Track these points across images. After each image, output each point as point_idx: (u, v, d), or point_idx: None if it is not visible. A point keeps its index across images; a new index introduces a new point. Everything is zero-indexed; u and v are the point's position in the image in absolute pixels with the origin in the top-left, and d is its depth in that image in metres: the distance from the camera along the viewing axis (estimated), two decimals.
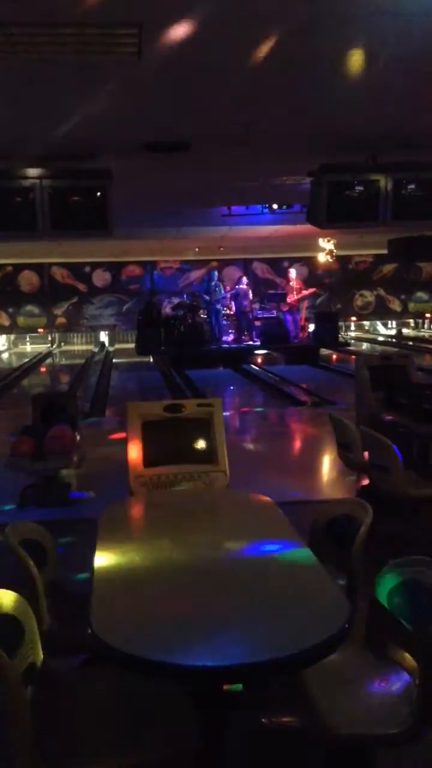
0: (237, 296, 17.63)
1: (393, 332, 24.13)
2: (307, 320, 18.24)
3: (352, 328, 24.22)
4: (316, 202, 6.27)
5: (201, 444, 4.21)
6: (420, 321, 24.89)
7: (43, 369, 18.72)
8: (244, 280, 18.33)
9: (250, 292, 17.91)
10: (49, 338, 23.43)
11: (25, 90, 4.38)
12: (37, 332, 23.19)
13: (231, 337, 17.69)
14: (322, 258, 18.46)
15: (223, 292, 17.85)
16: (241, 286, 17.90)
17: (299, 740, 2.37)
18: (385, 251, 13.19)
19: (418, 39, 3.69)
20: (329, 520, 3.05)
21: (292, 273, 18.56)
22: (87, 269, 22.77)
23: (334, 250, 17.77)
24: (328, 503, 3.25)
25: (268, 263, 23.06)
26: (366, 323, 24.77)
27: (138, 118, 5.15)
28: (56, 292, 22.84)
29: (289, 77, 4.29)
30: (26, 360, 19.91)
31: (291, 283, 18.15)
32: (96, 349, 21.82)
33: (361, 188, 6.07)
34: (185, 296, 19.11)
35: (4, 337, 23.21)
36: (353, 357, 14.30)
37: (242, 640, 2.05)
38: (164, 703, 2.30)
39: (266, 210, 11.78)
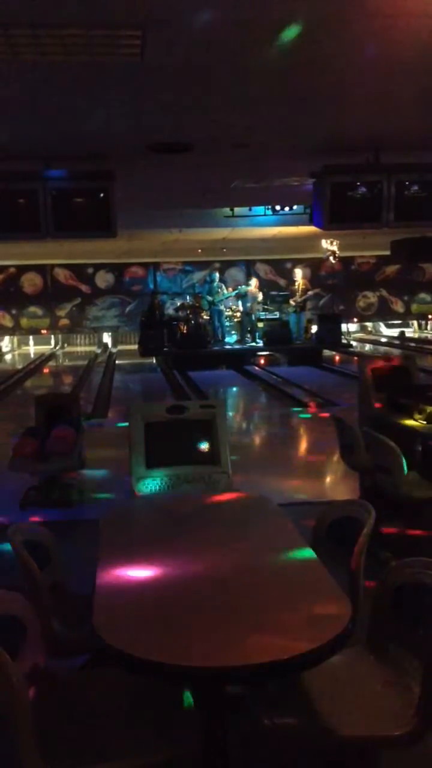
0: (244, 296, 17.60)
1: (396, 333, 24.11)
2: (310, 321, 18.21)
3: (355, 329, 24.20)
4: (318, 203, 6.28)
5: (204, 445, 4.20)
6: (423, 322, 24.87)
7: (46, 370, 18.74)
8: (253, 281, 18.25)
9: (260, 294, 17.79)
10: (52, 339, 23.45)
11: (28, 92, 4.39)
12: (40, 333, 23.20)
13: (234, 339, 17.67)
14: (325, 259, 18.43)
15: (225, 292, 17.84)
16: (243, 286, 17.88)
17: (301, 742, 2.37)
18: (387, 252, 13.19)
19: (420, 40, 3.70)
20: (332, 521, 3.05)
21: (298, 274, 18.52)
22: (90, 270, 22.78)
23: (337, 252, 17.74)
24: (330, 504, 3.25)
25: (271, 264, 23.05)
26: (369, 324, 24.76)
27: (141, 120, 5.16)
28: (59, 293, 22.86)
29: (291, 78, 4.29)
30: (29, 361, 19.94)
31: (296, 284, 18.11)
32: (99, 351, 21.83)
33: (363, 189, 6.08)
34: (188, 297, 19.10)
35: (7, 338, 23.23)
36: (356, 358, 14.30)
37: (244, 641, 2.05)
38: (166, 703, 2.30)
39: (269, 211, 11.77)
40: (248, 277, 20.23)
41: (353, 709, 2.32)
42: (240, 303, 17.80)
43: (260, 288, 18.14)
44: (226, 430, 4.25)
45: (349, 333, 22.28)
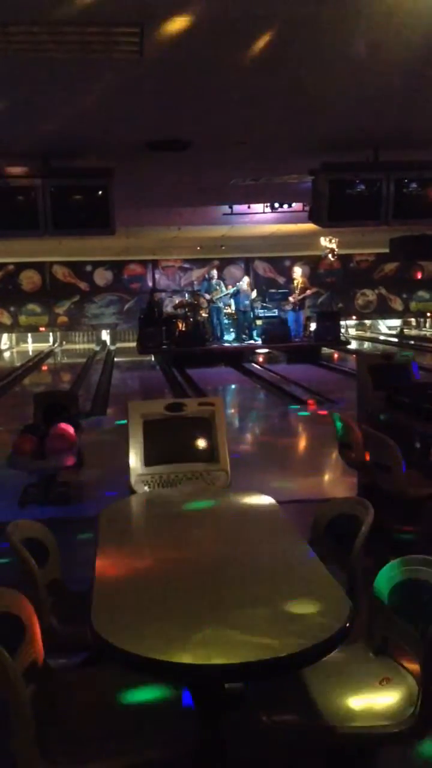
0: (237, 294, 17.60)
1: (395, 331, 24.11)
2: (309, 319, 18.22)
3: (353, 326, 24.19)
4: (317, 200, 6.26)
5: (202, 443, 4.20)
6: (421, 320, 24.87)
7: (44, 368, 18.73)
8: (245, 279, 18.29)
9: (251, 291, 17.83)
10: (51, 337, 23.44)
11: (26, 89, 4.38)
12: (38, 331, 23.18)
13: (233, 336, 17.69)
14: (323, 256, 18.43)
15: (224, 290, 17.84)
16: (239, 284, 17.88)
17: (300, 739, 2.37)
18: (386, 250, 13.17)
19: (419, 38, 3.69)
20: (330, 519, 3.05)
21: (297, 272, 18.54)
22: (88, 268, 22.74)
23: (336, 249, 17.73)
24: (329, 502, 3.25)
25: (270, 262, 23.04)
26: (367, 322, 24.76)
27: (139, 117, 5.15)
28: (58, 290, 22.83)
29: (290, 76, 4.28)
30: (28, 359, 19.93)
31: (295, 282, 18.14)
32: (97, 348, 21.83)
33: (362, 187, 6.06)
34: (186, 295, 19.09)
35: (5, 335, 23.22)
36: (354, 356, 14.29)
37: (242, 639, 2.05)
38: (164, 702, 2.30)
39: (268, 209, 11.76)
40: (247, 274, 20.25)
41: (352, 706, 2.32)
42: (233, 301, 17.80)
43: (258, 285, 18.12)
44: (224, 427, 4.25)
45: (347, 330, 22.26)
